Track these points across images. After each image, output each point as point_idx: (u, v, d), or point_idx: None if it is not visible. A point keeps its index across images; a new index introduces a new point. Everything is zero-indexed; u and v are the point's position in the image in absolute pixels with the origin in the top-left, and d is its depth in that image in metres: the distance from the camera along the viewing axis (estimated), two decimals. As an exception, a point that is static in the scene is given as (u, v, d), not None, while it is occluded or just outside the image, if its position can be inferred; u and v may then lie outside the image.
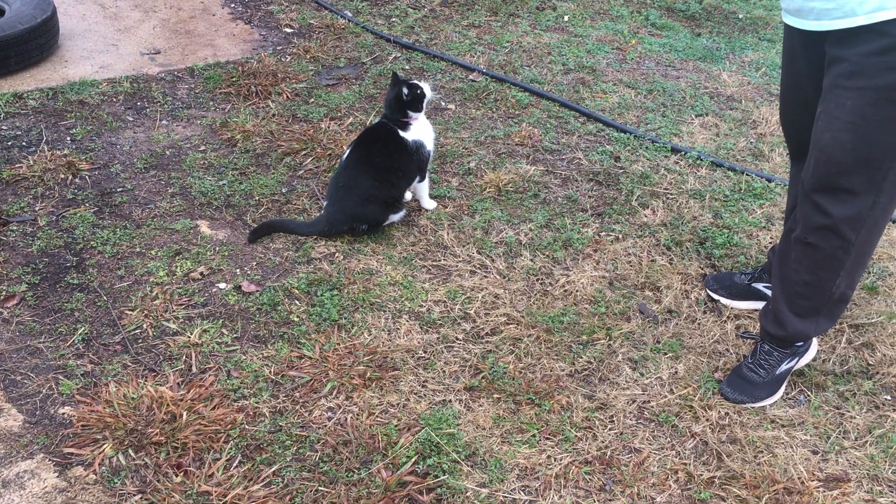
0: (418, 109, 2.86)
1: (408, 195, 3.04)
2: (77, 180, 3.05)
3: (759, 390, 2.30)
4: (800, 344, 2.32)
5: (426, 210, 3.03)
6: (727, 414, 2.26)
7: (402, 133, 2.85)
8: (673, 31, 4.92)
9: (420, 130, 2.88)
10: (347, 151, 2.86)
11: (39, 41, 3.74)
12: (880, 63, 1.84)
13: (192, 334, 2.39)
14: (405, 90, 2.81)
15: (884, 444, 2.19)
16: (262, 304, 2.53)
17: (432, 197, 3.10)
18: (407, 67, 4.12)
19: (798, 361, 2.34)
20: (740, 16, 5.26)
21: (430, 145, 2.91)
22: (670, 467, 2.09)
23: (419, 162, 2.89)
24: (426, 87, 2.87)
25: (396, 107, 2.84)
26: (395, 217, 2.88)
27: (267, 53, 4.14)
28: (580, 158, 3.44)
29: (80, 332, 2.38)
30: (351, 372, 2.29)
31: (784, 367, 2.32)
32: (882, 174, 1.95)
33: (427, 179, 3.00)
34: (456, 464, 2.05)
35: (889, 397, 2.35)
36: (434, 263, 2.77)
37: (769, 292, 2.57)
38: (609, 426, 2.20)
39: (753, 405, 2.29)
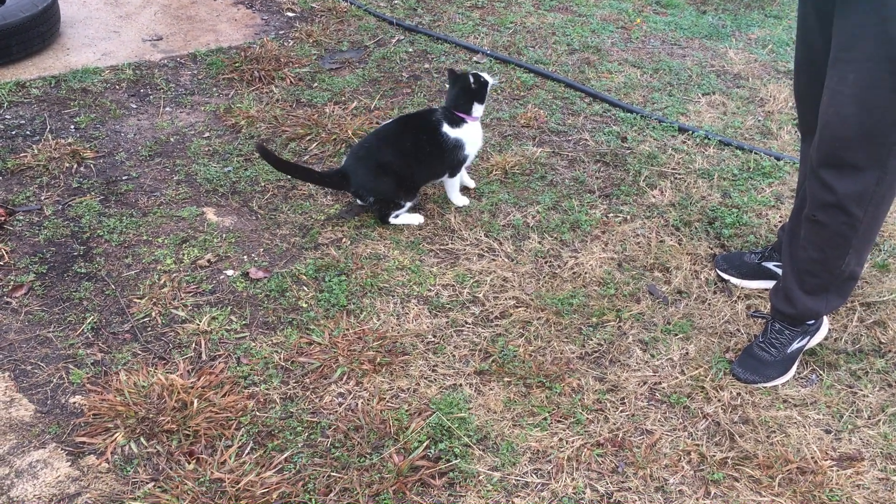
0: (483, 100, 2.83)
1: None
2: (82, 169, 3.04)
3: (770, 369, 2.29)
4: (811, 322, 2.30)
5: (455, 205, 2.96)
6: (739, 394, 2.25)
7: (446, 128, 2.78)
8: (678, 8, 4.87)
9: (468, 132, 2.82)
10: (389, 121, 2.88)
11: (41, 29, 3.72)
12: (880, 34, 1.81)
13: (200, 322, 2.38)
14: (472, 78, 2.77)
15: (897, 423, 2.18)
16: (270, 290, 2.52)
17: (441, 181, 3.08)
18: (410, 50, 4.09)
19: (809, 340, 2.33)
20: (746, -8, 5.20)
21: (471, 149, 2.84)
22: (683, 448, 2.08)
23: (453, 160, 2.82)
24: (487, 76, 2.84)
25: (464, 99, 2.80)
26: (407, 203, 2.81)
27: (269, 38, 4.11)
28: (587, 139, 3.42)
29: (88, 320, 2.37)
30: (360, 357, 2.28)
31: (795, 345, 2.31)
32: (887, 149, 1.93)
33: (457, 177, 2.91)
34: (467, 448, 2.04)
35: (901, 375, 2.34)
36: (442, 247, 2.75)
37: (779, 271, 2.56)
38: (620, 408, 2.20)
39: (765, 385, 2.28)
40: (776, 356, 2.29)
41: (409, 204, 2.81)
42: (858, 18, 1.83)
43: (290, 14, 4.46)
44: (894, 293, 2.61)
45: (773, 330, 2.32)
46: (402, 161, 2.75)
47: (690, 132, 3.48)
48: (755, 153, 3.34)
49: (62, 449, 1.99)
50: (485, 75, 2.84)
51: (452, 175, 2.89)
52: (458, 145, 2.80)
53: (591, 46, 4.23)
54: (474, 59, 4.02)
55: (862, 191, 1.99)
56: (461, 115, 2.81)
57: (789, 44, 4.43)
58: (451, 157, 2.82)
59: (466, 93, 2.80)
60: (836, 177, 2.00)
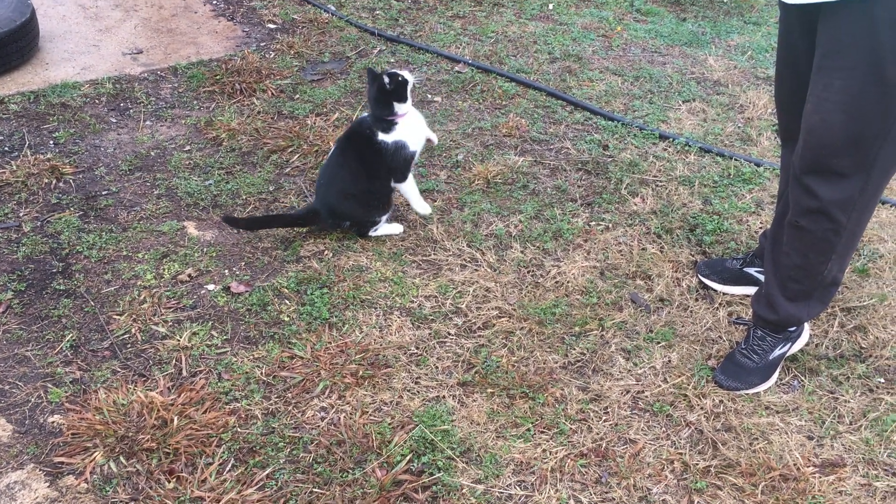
0: (403, 99, 2.65)
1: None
2: (61, 184, 3.02)
3: (752, 376, 2.30)
4: (792, 329, 2.31)
5: (420, 214, 2.88)
6: (721, 401, 2.25)
7: (381, 136, 2.66)
8: (658, 16, 4.90)
9: (405, 130, 2.69)
10: (335, 145, 2.80)
11: (19, 44, 3.69)
12: (867, 42, 1.81)
13: (181, 337, 2.36)
14: (386, 79, 2.61)
15: (878, 428, 2.18)
16: (251, 304, 2.51)
17: (423, 191, 3.07)
18: (392, 60, 4.09)
19: (791, 347, 2.34)
20: (725, -1, 5.24)
21: (414, 146, 2.71)
22: (666, 457, 2.08)
23: (396, 163, 2.70)
24: (407, 74, 2.66)
25: (382, 101, 2.65)
26: (383, 217, 2.79)
27: (250, 50, 4.11)
28: (568, 148, 3.42)
29: (67, 338, 2.35)
30: (343, 371, 2.27)
31: (777, 352, 2.31)
32: (872, 156, 1.93)
33: (412, 181, 2.79)
34: (451, 460, 2.03)
35: (882, 380, 2.35)
36: (424, 258, 2.75)
37: (761, 277, 2.57)
38: (604, 418, 2.19)
39: (747, 391, 2.28)
40: (758, 363, 2.30)
41: (385, 217, 2.80)
42: (845, 26, 1.83)
43: (272, 26, 4.45)
44: (874, 298, 2.63)
45: (755, 336, 2.33)
46: (359, 184, 2.71)
47: (671, 139, 3.49)
48: (735, 160, 3.36)
49: (40, 469, 1.97)
50: (404, 74, 2.66)
51: (400, 180, 2.75)
52: (399, 146, 2.68)
53: (573, 55, 4.24)
54: (455, 68, 4.03)
55: (847, 197, 1.99)
56: (389, 118, 2.67)
57: (768, 50, 4.46)
58: (395, 161, 2.69)
59: (384, 94, 2.64)
60: (821, 183, 2.00)
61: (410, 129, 2.71)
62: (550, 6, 4.91)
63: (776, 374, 2.33)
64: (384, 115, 2.67)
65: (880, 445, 2.13)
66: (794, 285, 2.22)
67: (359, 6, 4.74)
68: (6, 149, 3.21)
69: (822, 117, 1.93)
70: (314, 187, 2.87)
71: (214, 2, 4.70)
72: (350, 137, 2.75)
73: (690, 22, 4.85)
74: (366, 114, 2.79)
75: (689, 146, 3.44)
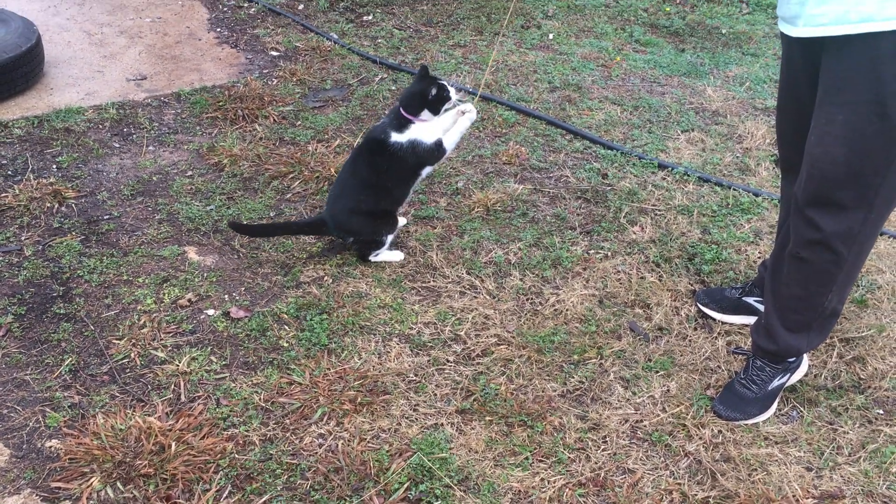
0: (435, 112, 2.68)
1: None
2: (63, 209, 3.03)
3: (751, 406, 2.29)
4: (792, 360, 2.31)
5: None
6: (720, 432, 2.25)
7: (394, 137, 2.66)
8: (657, 47, 4.95)
9: (421, 131, 2.68)
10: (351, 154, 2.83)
11: (24, 69, 3.73)
12: (870, 76, 1.82)
13: (180, 363, 2.36)
14: (433, 90, 2.63)
15: (877, 459, 2.18)
16: (250, 329, 2.51)
17: (423, 218, 3.09)
18: (393, 88, 4.13)
19: (790, 377, 2.34)
20: (723, 31, 5.30)
21: (430, 140, 2.69)
22: (665, 488, 2.07)
23: (419, 158, 2.69)
24: (453, 91, 2.69)
25: (417, 103, 2.65)
26: (388, 237, 2.80)
27: (253, 77, 4.15)
28: (568, 176, 3.45)
29: (67, 362, 2.35)
30: (341, 397, 2.27)
31: (776, 382, 2.31)
32: (874, 189, 1.94)
33: (449, 148, 2.74)
34: (449, 489, 2.03)
35: (881, 411, 2.35)
36: (423, 285, 2.76)
37: (760, 307, 2.58)
38: (602, 447, 2.19)
39: (746, 422, 2.28)
40: (757, 393, 2.30)
41: (389, 238, 2.81)
42: (849, 61, 1.84)
43: (275, 53, 4.50)
44: (873, 329, 2.63)
45: (755, 367, 2.33)
46: (369, 193, 2.72)
47: (670, 169, 3.52)
48: (734, 189, 3.38)
49: (37, 495, 1.96)
50: (451, 90, 2.70)
51: (433, 162, 2.74)
52: (415, 145, 2.68)
53: (572, 84, 4.29)
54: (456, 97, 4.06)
55: (849, 229, 2.00)
56: (408, 116, 2.67)
57: (767, 81, 4.50)
58: (414, 158, 2.69)
59: (422, 99, 2.66)
60: (823, 215, 2.00)
61: (428, 129, 2.69)
62: (550, 36, 4.97)
63: (775, 405, 2.33)
64: (408, 113, 2.67)
65: (879, 477, 2.13)
66: (794, 316, 2.22)
67: (361, 34, 4.79)
68: (9, 173, 3.23)
69: (825, 150, 1.94)
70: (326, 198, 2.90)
71: (218, 29, 4.75)
72: (366, 145, 2.75)
73: (689, 53, 4.90)
74: (384, 118, 2.79)
75: (688, 175, 3.47)
